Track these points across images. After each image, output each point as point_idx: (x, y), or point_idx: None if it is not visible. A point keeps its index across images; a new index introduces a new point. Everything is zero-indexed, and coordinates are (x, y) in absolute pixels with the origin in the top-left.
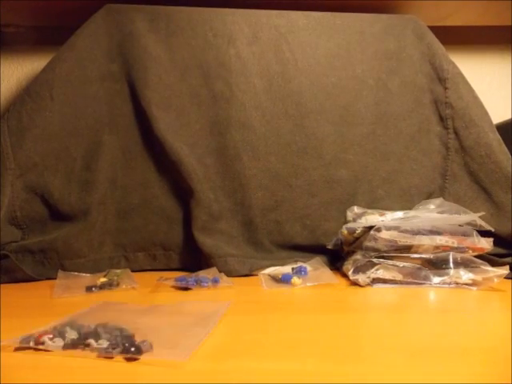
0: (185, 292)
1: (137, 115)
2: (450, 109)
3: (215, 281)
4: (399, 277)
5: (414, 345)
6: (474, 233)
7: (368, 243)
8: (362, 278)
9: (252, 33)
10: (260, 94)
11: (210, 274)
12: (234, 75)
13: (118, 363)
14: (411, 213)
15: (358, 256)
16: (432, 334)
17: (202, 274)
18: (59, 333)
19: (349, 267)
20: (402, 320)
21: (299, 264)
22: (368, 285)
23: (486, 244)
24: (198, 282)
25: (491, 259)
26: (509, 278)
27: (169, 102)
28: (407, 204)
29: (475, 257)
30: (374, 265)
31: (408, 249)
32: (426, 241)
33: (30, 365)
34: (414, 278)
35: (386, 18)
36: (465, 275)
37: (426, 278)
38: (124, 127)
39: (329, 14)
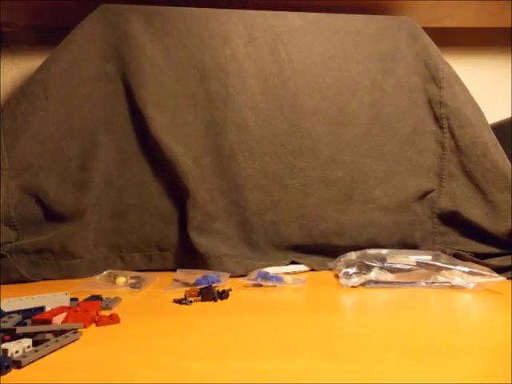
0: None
1: (132, 115)
2: (445, 108)
3: (212, 282)
4: (391, 277)
5: (413, 345)
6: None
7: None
8: (354, 278)
9: (248, 33)
10: (256, 95)
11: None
12: (229, 76)
13: None
14: None
15: (351, 257)
16: (430, 333)
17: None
18: None
19: (342, 268)
20: (397, 320)
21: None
22: (361, 285)
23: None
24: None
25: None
26: (508, 279)
27: (164, 103)
28: (403, 204)
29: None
30: (367, 266)
31: None
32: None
33: None
34: (408, 278)
35: (380, 19)
36: (459, 278)
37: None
38: (119, 127)
39: (324, 15)
